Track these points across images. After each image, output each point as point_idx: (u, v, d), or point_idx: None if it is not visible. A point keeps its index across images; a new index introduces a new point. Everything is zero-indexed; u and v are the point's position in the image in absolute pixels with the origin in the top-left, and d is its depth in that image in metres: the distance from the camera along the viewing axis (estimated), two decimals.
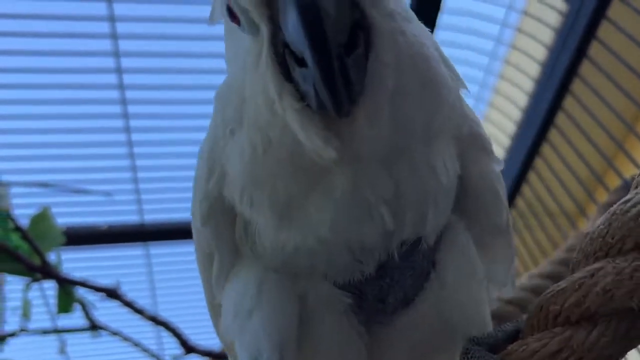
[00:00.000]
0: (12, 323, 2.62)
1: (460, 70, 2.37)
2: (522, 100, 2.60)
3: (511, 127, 2.70)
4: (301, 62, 0.53)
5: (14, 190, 2.33)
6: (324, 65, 0.49)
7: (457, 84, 0.70)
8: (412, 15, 0.66)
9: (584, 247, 0.67)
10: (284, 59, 0.55)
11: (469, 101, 2.48)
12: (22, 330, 2.17)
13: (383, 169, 0.60)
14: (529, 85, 2.54)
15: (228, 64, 0.71)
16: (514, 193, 2.74)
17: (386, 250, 0.66)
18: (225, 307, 0.75)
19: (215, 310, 0.80)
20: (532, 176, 2.65)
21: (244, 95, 0.60)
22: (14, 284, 2.62)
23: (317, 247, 0.64)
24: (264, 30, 0.56)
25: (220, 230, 0.71)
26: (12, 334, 2.09)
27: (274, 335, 0.66)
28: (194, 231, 0.75)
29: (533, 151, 2.55)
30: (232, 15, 0.60)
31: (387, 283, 0.69)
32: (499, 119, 2.81)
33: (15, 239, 1.82)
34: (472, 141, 0.73)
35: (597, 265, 0.64)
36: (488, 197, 0.75)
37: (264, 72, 0.56)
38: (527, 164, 2.61)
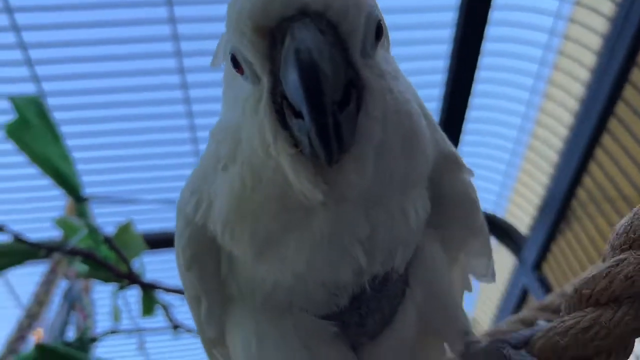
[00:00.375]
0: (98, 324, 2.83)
1: (515, 62, 2.33)
2: (580, 91, 2.57)
3: (568, 119, 2.68)
4: (297, 114, 0.58)
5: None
6: (318, 120, 0.55)
7: (433, 132, 0.76)
8: (400, 73, 0.72)
9: (612, 241, 0.77)
10: (281, 107, 0.60)
11: (523, 94, 2.45)
12: (112, 331, 2.36)
13: (361, 213, 0.65)
14: (585, 75, 2.52)
15: (224, 104, 0.76)
16: (575, 183, 2.72)
17: (358, 285, 0.70)
18: (232, 351, 0.80)
19: (206, 342, 0.85)
20: (592, 166, 2.63)
21: (239, 136, 0.65)
22: (99, 287, 2.84)
23: (294, 283, 0.69)
24: (265, 81, 0.61)
25: (205, 275, 0.75)
26: (104, 335, 2.28)
27: None
28: (179, 273, 0.80)
29: (593, 141, 2.53)
30: (236, 65, 0.65)
31: (365, 311, 0.74)
32: (555, 111, 2.79)
33: (103, 250, 2.00)
34: (444, 161, 0.78)
35: (622, 256, 0.74)
36: (465, 205, 0.81)
37: (262, 119, 0.61)
38: (587, 154, 2.58)
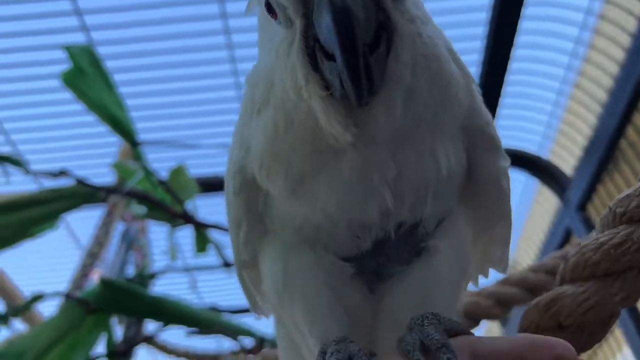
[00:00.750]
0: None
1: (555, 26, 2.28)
2: (632, 25, 2.48)
3: (619, 55, 2.59)
4: (329, 56, 0.60)
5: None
6: (350, 62, 0.57)
7: (468, 81, 0.75)
8: (429, 18, 0.73)
9: None
10: (313, 50, 0.61)
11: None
12: (168, 269, 2.50)
13: (389, 154, 0.66)
14: (638, 8, 2.41)
15: (260, 50, 0.77)
16: (623, 122, 2.66)
17: (383, 230, 0.72)
18: (263, 277, 0.83)
19: (238, 264, 0.87)
20: None
21: (273, 79, 0.67)
22: (154, 228, 2.99)
23: (322, 221, 0.71)
24: (298, 25, 0.62)
25: (249, 202, 0.78)
26: (161, 273, 2.43)
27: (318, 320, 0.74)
28: (226, 199, 0.83)
29: None
30: (269, 9, 0.67)
31: (383, 260, 0.75)
32: (605, 47, 2.70)
33: (159, 192, 2.10)
34: (482, 141, 0.78)
35: None
36: (494, 192, 0.80)
37: (294, 61, 0.62)
38: (638, 92, 2.51)
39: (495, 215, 0.83)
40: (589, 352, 0.93)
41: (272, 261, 0.79)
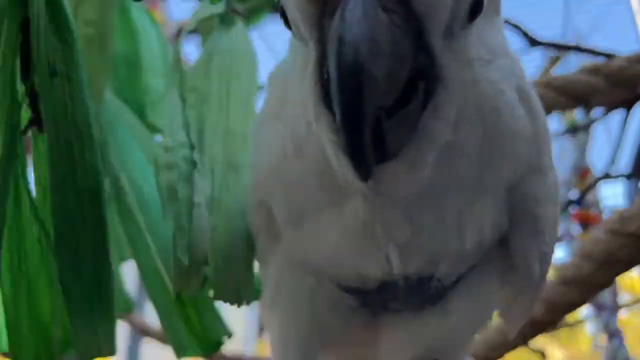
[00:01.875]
0: None
1: None
2: None
3: None
4: None
5: None
6: (351, 136, 0.44)
7: (537, 129, 0.60)
8: (500, 49, 0.56)
9: None
10: (329, 82, 0.46)
11: None
12: None
13: (405, 213, 0.54)
14: None
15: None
16: None
17: (390, 277, 0.62)
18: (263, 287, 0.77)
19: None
20: None
21: (287, 92, 0.56)
22: None
23: (321, 260, 0.63)
24: (312, 52, 0.48)
25: (269, 219, 0.67)
26: None
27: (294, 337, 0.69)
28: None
29: None
30: (285, 19, 0.53)
31: (390, 297, 0.66)
32: None
33: None
34: (522, 219, 0.65)
35: None
36: (523, 272, 0.68)
37: (307, 91, 0.49)
38: None
39: (520, 289, 0.71)
40: None
41: (270, 273, 0.72)
